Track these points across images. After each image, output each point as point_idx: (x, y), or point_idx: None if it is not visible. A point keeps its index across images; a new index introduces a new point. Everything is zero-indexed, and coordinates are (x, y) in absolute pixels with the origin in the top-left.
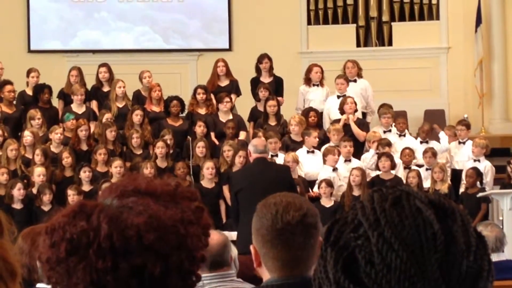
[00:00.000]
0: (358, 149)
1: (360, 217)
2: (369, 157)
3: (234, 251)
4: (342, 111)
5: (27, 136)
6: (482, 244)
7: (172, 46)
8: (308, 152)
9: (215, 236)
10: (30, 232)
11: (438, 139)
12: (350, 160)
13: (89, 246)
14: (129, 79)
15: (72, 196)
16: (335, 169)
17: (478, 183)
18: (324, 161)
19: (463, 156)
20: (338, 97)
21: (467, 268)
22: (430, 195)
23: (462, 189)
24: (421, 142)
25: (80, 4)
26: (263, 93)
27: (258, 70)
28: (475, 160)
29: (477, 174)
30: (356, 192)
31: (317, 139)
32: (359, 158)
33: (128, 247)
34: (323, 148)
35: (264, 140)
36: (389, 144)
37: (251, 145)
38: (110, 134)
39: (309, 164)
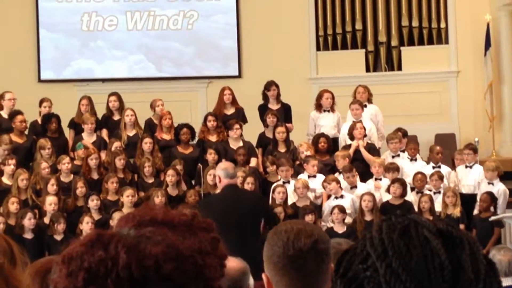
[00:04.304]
0: (369, 174)
1: (369, 248)
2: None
3: (251, 280)
4: (351, 137)
5: (46, 168)
6: (492, 271)
7: (182, 74)
8: (309, 176)
9: (234, 263)
10: (39, 269)
11: (448, 163)
12: (356, 187)
13: (107, 275)
14: (140, 107)
15: (90, 224)
16: (340, 197)
17: (492, 207)
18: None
19: (470, 180)
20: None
21: None
22: (439, 223)
23: (473, 214)
24: (433, 167)
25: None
26: (271, 119)
27: (265, 97)
28: (489, 183)
29: (492, 199)
30: (368, 217)
31: (316, 167)
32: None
33: (146, 277)
34: (324, 178)
35: (232, 163)
36: (397, 169)
37: (220, 170)
38: (119, 162)
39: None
